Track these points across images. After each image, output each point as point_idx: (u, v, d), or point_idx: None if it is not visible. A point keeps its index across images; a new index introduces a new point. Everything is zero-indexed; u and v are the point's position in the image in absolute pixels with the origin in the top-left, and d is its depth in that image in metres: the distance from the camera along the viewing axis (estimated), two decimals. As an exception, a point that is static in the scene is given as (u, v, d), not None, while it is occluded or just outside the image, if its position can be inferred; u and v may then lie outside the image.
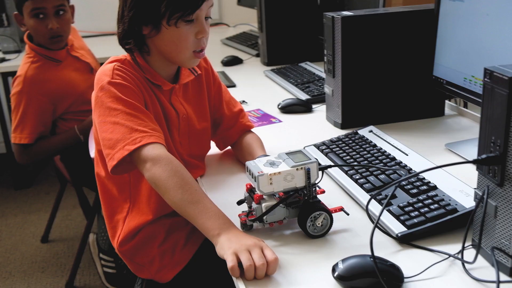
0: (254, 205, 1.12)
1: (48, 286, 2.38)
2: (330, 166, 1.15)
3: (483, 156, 0.91)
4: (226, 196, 1.28)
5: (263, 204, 1.09)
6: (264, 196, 1.11)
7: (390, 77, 1.66)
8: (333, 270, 0.94)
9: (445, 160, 1.39)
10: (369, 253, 0.94)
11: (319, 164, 1.12)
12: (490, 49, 1.37)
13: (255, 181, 1.08)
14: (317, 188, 1.17)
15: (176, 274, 1.39)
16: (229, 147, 1.55)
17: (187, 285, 1.41)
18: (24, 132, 2.20)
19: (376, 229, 1.03)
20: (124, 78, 1.27)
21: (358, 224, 1.13)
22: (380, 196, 1.17)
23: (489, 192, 0.94)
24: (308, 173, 1.08)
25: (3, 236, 2.83)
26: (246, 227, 1.14)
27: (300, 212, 1.10)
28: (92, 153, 2.01)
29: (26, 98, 2.17)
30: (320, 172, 1.13)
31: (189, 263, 1.39)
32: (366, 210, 1.10)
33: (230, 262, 0.97)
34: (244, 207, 1.18)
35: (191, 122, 1.42)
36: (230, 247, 1.00)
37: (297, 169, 1.08)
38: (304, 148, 1.51)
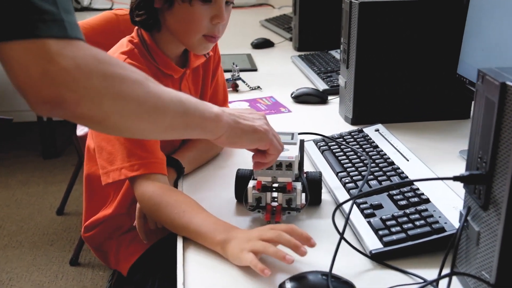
0: (283, 196, 1.02)
1: (53, 260, 2.35)
2: None
3: (466, 173, 0.78)
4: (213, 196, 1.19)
5: (298, 187, 1.03)
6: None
7: (408, 72, 1.51)
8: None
9: (452, 169, 1.23)
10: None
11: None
12: (517, 48, 1.20)
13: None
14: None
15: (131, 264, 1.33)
16: None
17: (144, 275, 1.32)
18: None
19: (347, 244, 0.92)
20: None
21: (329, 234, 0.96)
22: (365, 205, 1.04)
23: (473, 215, 0.80)
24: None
25: (22, 204, 2.82)
26: None
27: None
28: (79, 130, 1.97)
29: None
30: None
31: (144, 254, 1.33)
32: (347, 219, 0.97)
33: (251, 263, 0.86)
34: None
35: None
36: (241, 248, 0.90)
37: None
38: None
